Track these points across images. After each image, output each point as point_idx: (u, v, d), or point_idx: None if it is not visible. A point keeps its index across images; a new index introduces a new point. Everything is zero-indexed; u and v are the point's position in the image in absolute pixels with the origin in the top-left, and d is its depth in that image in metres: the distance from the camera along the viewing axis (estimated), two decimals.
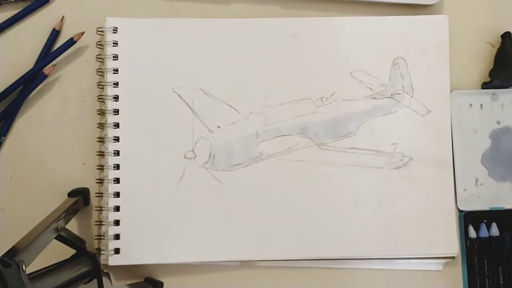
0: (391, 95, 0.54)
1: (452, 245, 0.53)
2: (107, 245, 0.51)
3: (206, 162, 0.52)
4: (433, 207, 0.53)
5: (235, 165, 0.52)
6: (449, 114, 0.54)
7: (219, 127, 0.52)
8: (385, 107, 0.53)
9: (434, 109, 0.53)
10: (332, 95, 0.53)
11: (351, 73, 0.53)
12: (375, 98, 0.53)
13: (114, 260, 0.50)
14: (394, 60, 0.54)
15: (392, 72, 0.54)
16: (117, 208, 0.51)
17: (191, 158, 0.52)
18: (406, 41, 0.54)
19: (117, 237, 0.51)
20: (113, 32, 0.52)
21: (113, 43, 0.52)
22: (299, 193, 0.52)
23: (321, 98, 0.53)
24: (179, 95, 0.52)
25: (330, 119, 0.53)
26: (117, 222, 0.51)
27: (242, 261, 0.52)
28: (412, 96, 0.53)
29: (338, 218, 0.52)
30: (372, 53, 0.54)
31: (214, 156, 0.52)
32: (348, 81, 0.53)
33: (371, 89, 0.53)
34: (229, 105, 0.53)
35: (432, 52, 0.54)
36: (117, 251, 0.51)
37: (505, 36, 0.55)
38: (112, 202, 0.51)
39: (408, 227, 0.52)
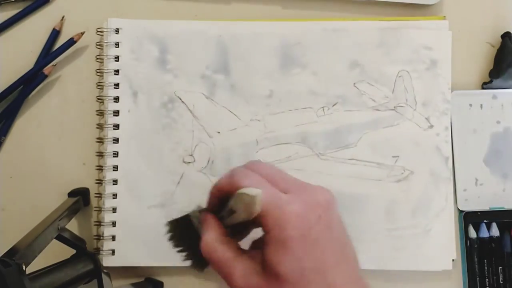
0: (394, 107, 0.53)
1: (450, 253, 0.52)
2: (103, 245, 0.51)
3: (205, 167, 0.52)
4: (432, 218, 0.52)
5: None
6: (450, 129, 0.53)
7: (219, 132, 0.52)
8: (387, 120, 0.53)
9: (436, 123, 0.53)
10: (334, 105, 0.53)
11: (354, 83, 0.53)
12: (378, 110, 0.53)
13: (109, 261, 0.51)
14: (398, 72, 0.53)
15: (396, 84, 0.53)
16: (114, 210, 0.51)
17: (189, 163, 0.52)
18: (410, 55, 0.53)
19: (113, 238, 0.51)
20: (115, 33, 0.52)
21: (115, 44, 0.52)
22: None
23: (322, 107, 0.52)
24: (180, 99, 0.52)
25: (331, 129, 0.52)
26: (113, 223, 0.51)
27: None
28: (415, 110, 0.53)
29: None
30: (376, 64, 0.53)
31: (212, 162, 0.52)
32: (351, 92, 0.53)
33: (374, 100, 0.53)
34: (230, 111, 0.52)
35: (435, 67, 0.53)
36: (113, 252, 0.51)
37: (505, 36, 0.55)
38: (109, 203, 0.51)
39: (406, 242, 0.52)
